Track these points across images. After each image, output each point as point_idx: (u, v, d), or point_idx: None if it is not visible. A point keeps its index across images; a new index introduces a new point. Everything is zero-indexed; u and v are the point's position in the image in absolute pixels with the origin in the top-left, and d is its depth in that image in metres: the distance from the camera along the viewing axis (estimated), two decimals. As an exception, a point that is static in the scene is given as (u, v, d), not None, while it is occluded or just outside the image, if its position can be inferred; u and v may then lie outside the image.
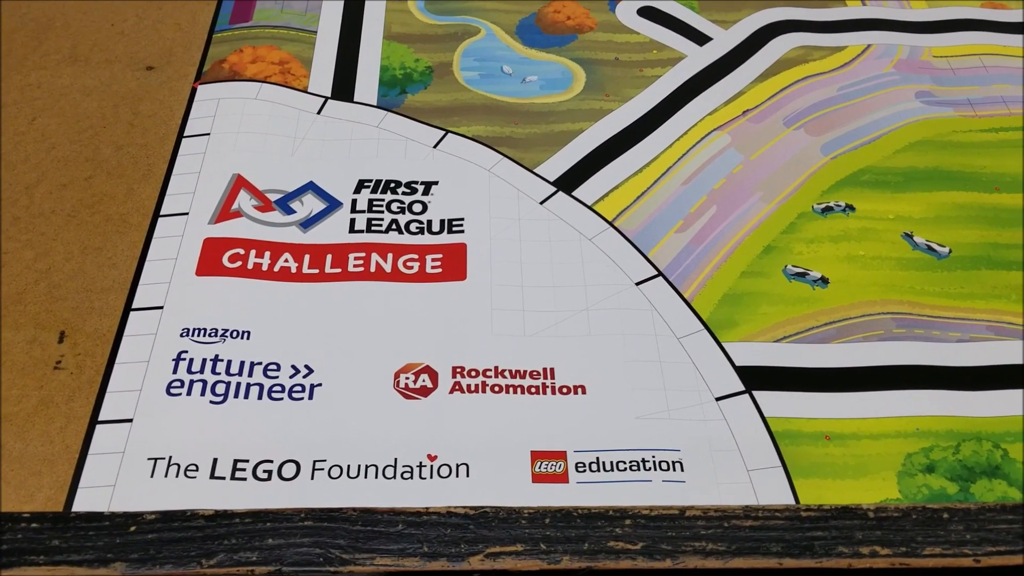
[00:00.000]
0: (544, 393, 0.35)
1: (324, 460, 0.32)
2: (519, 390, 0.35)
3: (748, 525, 0.26)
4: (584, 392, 0.35)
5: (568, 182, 0.42)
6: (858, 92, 0.46)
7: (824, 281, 0.38)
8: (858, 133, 0.45)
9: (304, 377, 0.35)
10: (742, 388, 0.35)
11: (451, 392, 0.35)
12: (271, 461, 0.32)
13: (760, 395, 0.35)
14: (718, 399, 0.35)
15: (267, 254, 0.39)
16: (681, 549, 0.26)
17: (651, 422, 0.34)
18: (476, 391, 0.35)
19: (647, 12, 0.51)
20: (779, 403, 0.34)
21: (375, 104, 0.46)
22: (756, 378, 0.35)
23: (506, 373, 0.35)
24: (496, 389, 0.35)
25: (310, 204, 0.41)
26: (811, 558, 0.26)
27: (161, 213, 0.40)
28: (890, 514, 0.27)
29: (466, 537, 0.26)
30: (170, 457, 0.32)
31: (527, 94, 0.46)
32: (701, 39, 0.49)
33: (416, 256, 0.39)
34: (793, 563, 0.25)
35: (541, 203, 0.41)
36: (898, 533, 0.26)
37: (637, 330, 0.37)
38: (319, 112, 0.45)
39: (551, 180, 0.42)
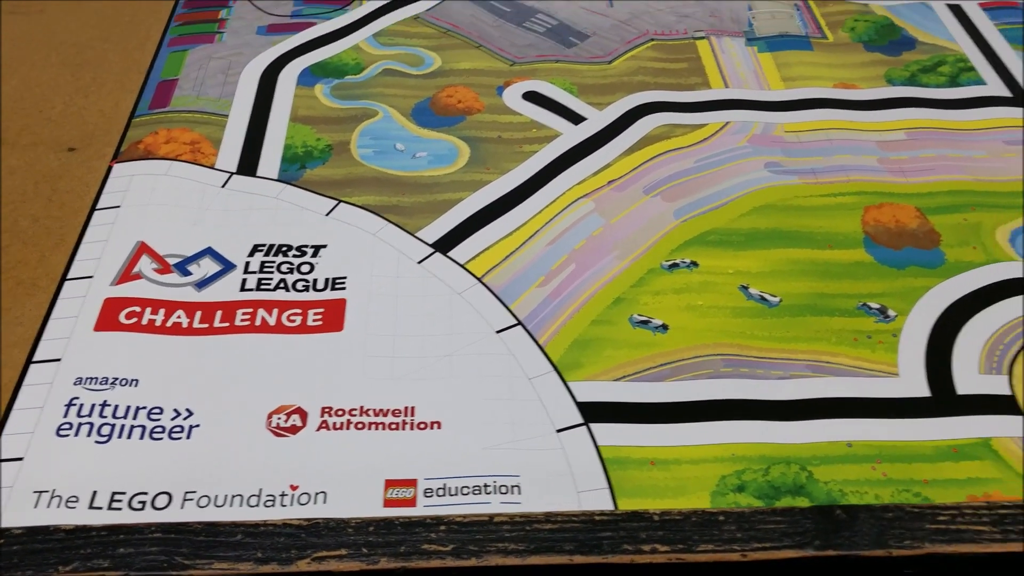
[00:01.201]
0: (403, 429, 0.39)
1: (194, 491, 0.36)
2: (380, 426, 0.39)
3: (547, 528, 0.30)
4: (439, 427, 0.39)
5: (445, 244, 0.47)
6: (713, 163, 0.52)
7: (664, 327, 0.43)
8: (709, 199, 0.49)
9: (184, 419, 0.39)
10: (581, 421, 0.39)
11: (318, 429, 0.38)
12: (146, 493, 0.36)
13: (596, 427, 0.39)
14: (558, 431, 0.39)
15: (161, 311, 0.43)
16: (486, 549, 0.29)
17: (496, 452, 0.38)
18: (341, 428, 0.39)
19: (530, 96, 0.56)
20: (612, 433, 0.38)
21: (276, 178, 0.50)
22: (594, 412, 0.39)
23: (370, 412, 0.39)
24: (359, 426, 0.39)
25: (206, 267, 0.45)
26: (598, 554, 0.29)
27: (68, 277, 0.44)
28: (673, 517, 0.30)
29: (296, 544, 0.29)
30: (53, 490, 0.36)
31: (415, 168, 0.51)
32: (577, 119, 0.54)
33: (299, 311, 0.43)
34: (582, 559, 0.29)
35: (419, 262, 0.46)
36: (677, 533, 0.30)
37: (493, 372, 0.41)
38: (223, 186, 0.50)
39: (430, 243, 0.47)
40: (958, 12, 0.63)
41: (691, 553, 0.29)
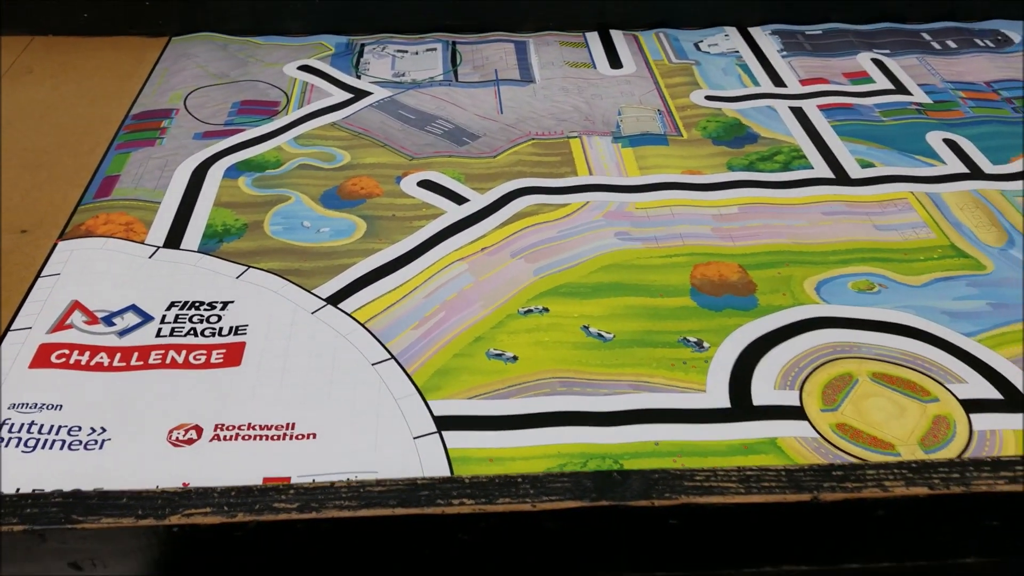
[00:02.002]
0: (283, 440, 0.46)
1: (102, 488, 0.43)
2: (264, 438, 0.46)
3: (377, 490, 0.37)
4: (315, 437, 0.46)
5: (336, 298, 0.55)
6: (571, 233, 0.61)
7: (515, 358, 0.51)
8: (565, 260, 0.58)
9: (98, 435, 0.46)
10: (435, 430, 0.46)
11: (211, 440, 0.46)
12: (61, 490, 0.43)
13: (447, 434, 0.46)
14: (415, 438, 0.46)
15: (87, 353, 0.51)
16: (325, 505, 0.36)
17: (360, 455, 0.45)
18: (231, 440, 0.46)
19: (424, 183, 0.66)
20: (460, 439, 0.46)
21: (196, 250, 0.59)
22: (447, 423, 0.47)
23: (256, 427, 0.47)
24: (246, 438, 0.46)
25: (128, 319, 0.53)
26: (416, 507, 0.36)
27: (11, 328, 0.52)
28: (480, 480, 0.38)
29: (171, 504, 0.36)
30: (-18, 487, 0.42)
31: (318, 240, 0.60)
32: (461, 200, 0.64)
33: (204, 351, 0.51)
34: (403, 510, 0.36)
35: (312, 312, 0.54)
36: (482, 491, 0.37)
37: (365, 396, 0.48)
38: (151, 257, 0.58)
39: (324, 297, 0.55)
40: (799, 113, 0.74)
41: (491, 505, 0.37)
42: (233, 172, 0.67)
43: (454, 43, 0.85)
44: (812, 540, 0.39)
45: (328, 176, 0.67)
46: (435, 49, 0.84)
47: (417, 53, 0.84)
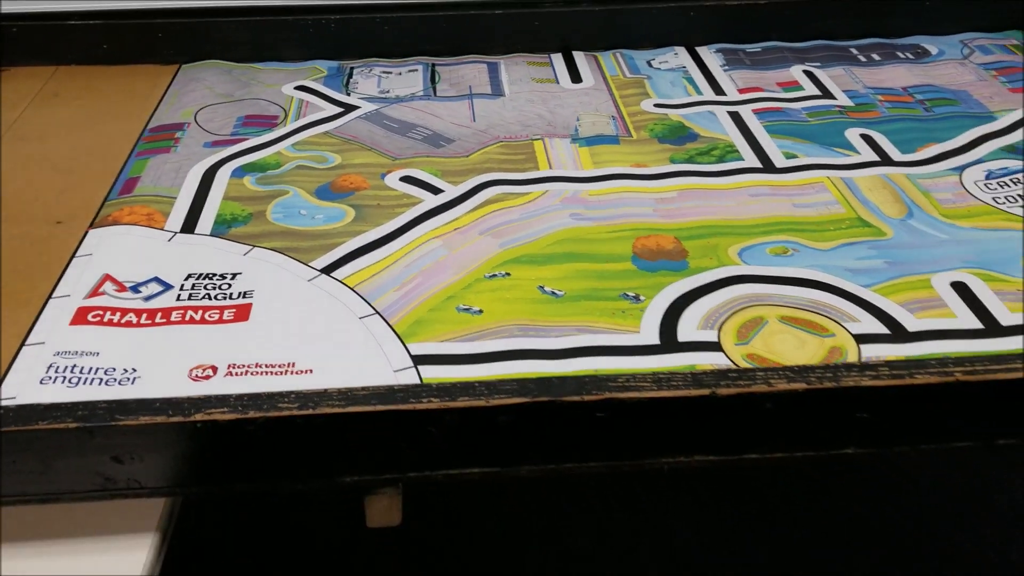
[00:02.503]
0: (285, 374, 0.55)
1: (135, 411, 0.52)
2: (268, 374, 0.55)
3: (362, 393, 0.46)
4: (311, 372, 0.55)
5: (329, 269, 0.65)
6: (532, 215, 0.71)
7: (480, 311, 0.60)
8: (526, 236, 0.68)
9: (131, 374, 0.55)
10: (411, 364, 0.56)
11: (225, 376, 0.55)
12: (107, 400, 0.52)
13: (422, 367, 0.55)
14: (395, 371, 0.55)
15: (118, 314, 0.60)
16: (320, 405, 0.46)
17: (350, 384, 0.54)
18: (241, 375, 0.55)
19: (405, 179, 0.76)
20: (432, 371, 0.55)
21: (208, 234, 0.69)
22: (422, 360, 0.56)
23: (263, 366, 0.56)
24: (254, 374, 0.55)
25: (152, 288, 0.63)
26: (392, 404, 0.45)
27: (53, 296, 0.62)
28: (445, 385, 0.47)
29: (195, 406, 0.46)
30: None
31: (313, 224, 0.70)
32: (437, 191, 0.74)
33: (217, 311, 0.60)
34: (382, 407, 0.45)
35: (309, 280, 0.64)
36: (447, 392, 0.46)
37: (355, 341, 0.58)
38: (169, 240, 0.68)
39: (318, 268, 0.65)
40: (735, 116, 0.85)
41: (453, 402, 0.46)
42: (239, 172, 0.77)
43: (433, 65, 0.96)
44: (715, 432, 0.48)
45: (321, 174, 0.76)
46: (416, 70, 0.95)
47: (400, 74, 0.94)
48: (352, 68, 0.96)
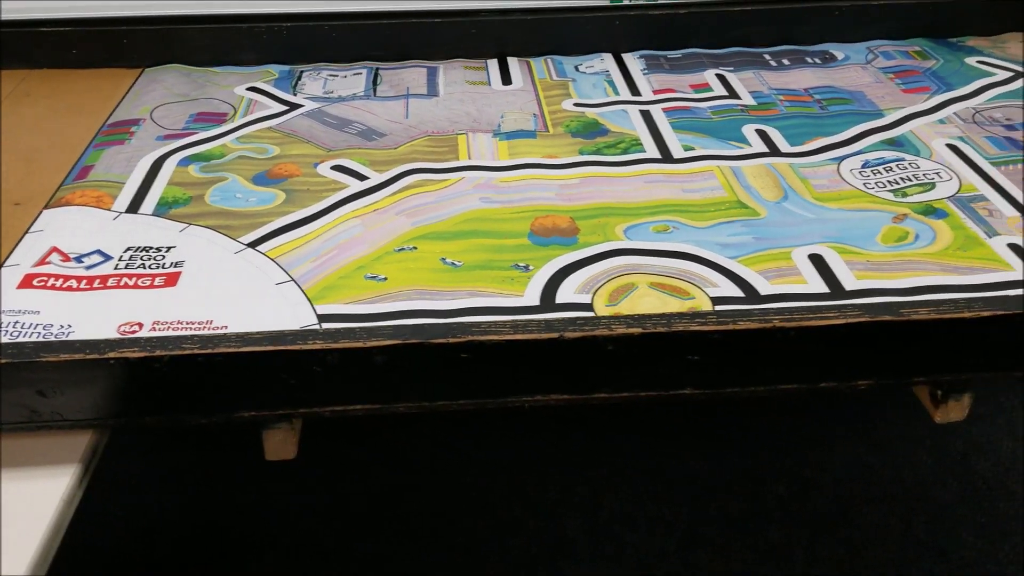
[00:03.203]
0: (203, 329, 0.62)
1: (66, 358, 0.59)
2: (188, 329, 0.62)
3: (256, 336, 0.53)
4: (227, 328, 0.62)
5: (255, 243, 0.72)
6: (446, 198, 0.78)
7: (385, 279, 0.67)
8: (437, 216, 0.75)
9: (66, 329, 0.62)
10: (316, 323, 0.63)
11: (149, 331, 0.62)
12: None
13: (325, 324, 0.62)
14: (302, 327, 0.62)
15: (61, 280, 0.67)
16: (219, 346, 0.53)
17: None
18: (163, 330, 0.62)
19: (336, 167, 0.83)
20: (335, 327, 0.62)
21: (151, 213, 0.76)
22: (327, 319, 0.63)
23: (183, 323, 0.63)
24: (175, 329, 0.62)
25: (94, 259, 0.70)
26: (282, 345, 0.53)
27: (4, 264, 0.69)
28: (329, 330, 0.54)
29: (110, 346, 0.53)
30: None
31: (246, 206, 0.77)
32: (363, 178, 0.81)
33: (149, 277, 0.68)
34: (272, 347, 0.52)
35: (235, 253, 0.71)
36: (330, 336, 0.53)
37: (270, 303, 0.65)
38: (114, 219, 0.75)
39: (245, 243, 0.72)
40: (646, 115, 0.92)
41: (335, 343, 0.53)
42: (185, 162, 0.84)
43: (377, 69, 1.04)
44: (567, 373, 0.55)
45: (260, 164, 0.84)
46: (361, 74, 1.03)
47: (346, 76, 1.02)
48: (302, 71, 1.04)
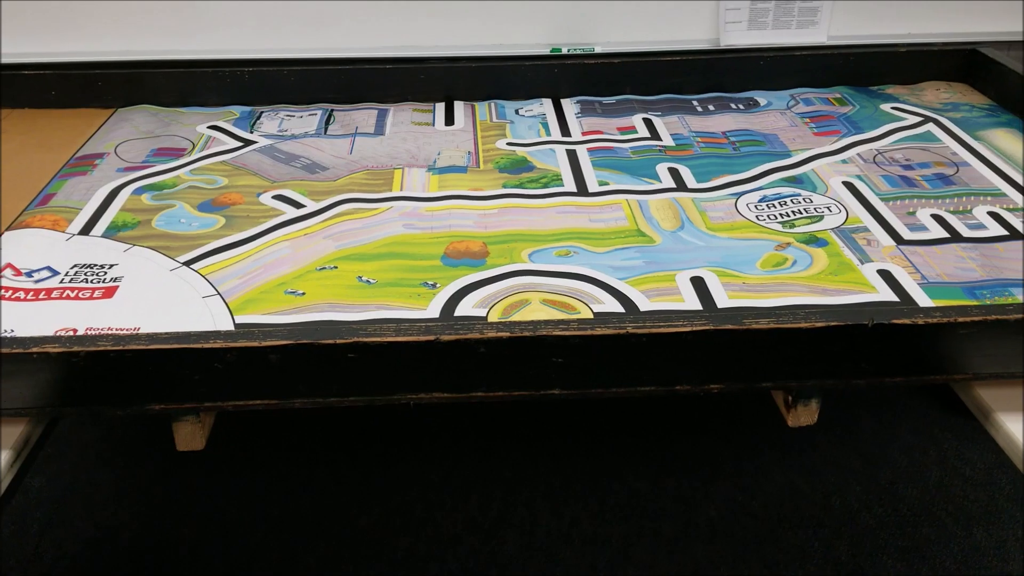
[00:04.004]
0: (131, 335, 0.69)
1: (3, 357, 0.66)
2: (117, 336, 0.69)
3: (164, 336, 0.60)
4: (151, 334, 0.69)
5: (190, 263, 0.79)
6: (373, 224, 0.85)
7: (303, 294, 0.74)
8: (361, 240, 0.82)
9: (7, 332, 0.69)
10: (233, 329, 0.69)
11: (82, 335, 0.69)
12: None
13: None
14: (218, 334, 0.69)
15: (10, 291, 0.74)
16: (129, 344, 0.59)
17: (178, 342, 0.68)
18: (95, 334, 0.69)
19: (277, 197, 0.90)
20: (236, 330, 0.69)
21: (101, 235, 0.83)
22: (245, 327, 0.70)
23: (113, 329, 0.69)
24: (105, 334, 0.69)
25: (43, 274, 0.77)
26: (186, 343, 0.59)
27: (-40, 278, 0.76)
28: (231, 331, 0.60)
29: (35, 343, 0.59)
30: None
31: (188, 230, 0.84)
32: (300, 206, 0.88)
33: (89, 290, 0.75)
34: (177, 345, 0.59)
35: (171, 270, 0.78)
36: (230, 336, 0.60)
37: (194, 313, 0.71)
38: (67, 240, 0.83)
39: (181, 262, 0.79)
40: (571, 153, 0.99)
41: (233, 343, 0.59)
42: (139, 191, 0.92)
43: (332, 110, 1.12)
44: (447, 373, 0.62)
45: (207, 193, 0.91)
46: (315, 114, 1.11)
47: (302, 117, 1.10)
48: (261, 112, 1.12)
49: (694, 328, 0.60)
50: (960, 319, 0.61)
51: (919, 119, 1.06)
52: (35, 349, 0.59)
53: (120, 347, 0.59)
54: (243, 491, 1.16)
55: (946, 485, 1.18)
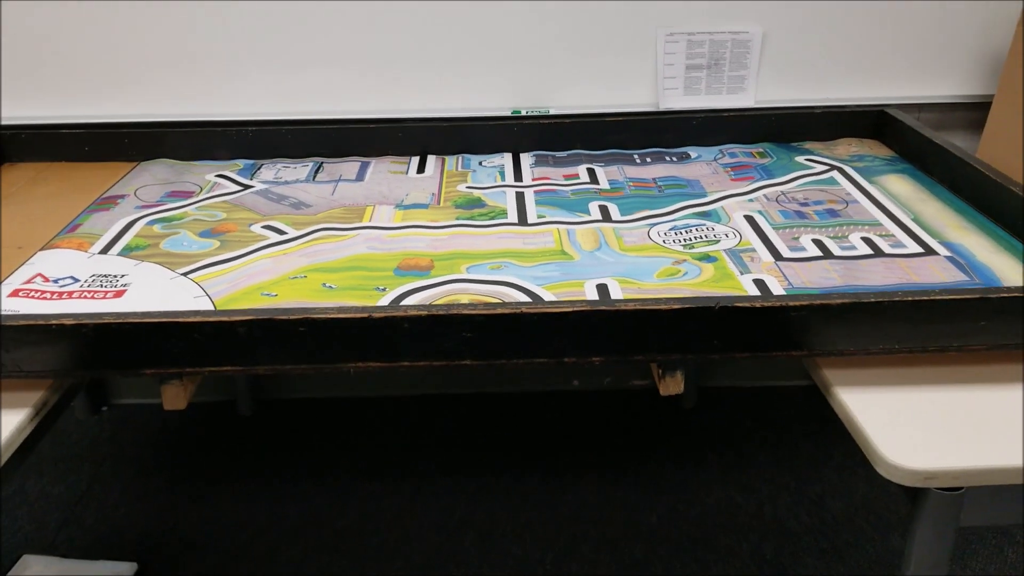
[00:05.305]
0: (133, 323, 0.86)
1: (31, 337, 0.82)
2: (123, 322, 0.86)
3: (143, 311, 0.76)
4: (150, 323, 0.86)
5: (188, 273, 0.96)
6: (341, 247, 1.02)
7: (275, 295, 0.91)
8: (328, 258, 0.99)
9: (36, 321, 0.86)
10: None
11: (94, 323, 0.86)
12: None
13: (220, 320, 0.85)
14: (203, 322, 0.85)
15: (38, 293, 0.91)
16: (103, 317, 0.76)
17: (171, 327, 0.84)
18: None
19: (267, 227, 1.08)
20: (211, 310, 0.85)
21: (117, 255, 1.01)
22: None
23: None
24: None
25: (67, 281, 0.94)
26: (165, 319, 0.75)
27: (2, 282, 0.94)
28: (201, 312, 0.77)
29: (43, 318, 0.76)
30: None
31: (189, 250, 1.02)
32: (283, 233, 1.06)
33: (103, 293, 0.92)
34: (158, 319, 0.75)
35: (171, 279, 0.95)
36: (195, 315, 0.76)
37: (183, 306, 0.88)
38: (89, 258, 1.00)
39: (180, 272, 0.96)
40: (519, 195, 1.16)
41: (208, 318, 0.76)
42: (151, 222, 1.10)
43: (322, 162, 1.30)
44: (378, 345, 0.77)
45: (208, 223, 1.09)
46: (308, 166, 1.29)
47: (296, 168, 1.28)
48: (262, 164, 1.30)
49: (575, 309, 0.75)
50: (791, 304, 0.76)
51: (826, 167, 1.22)
52: (54, 322, 0.75)
53: (120, 320, 0.75)
54: (240, 493, 1.30)
55: (871, 499, 1.30)
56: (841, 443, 1.42)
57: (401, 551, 1.20)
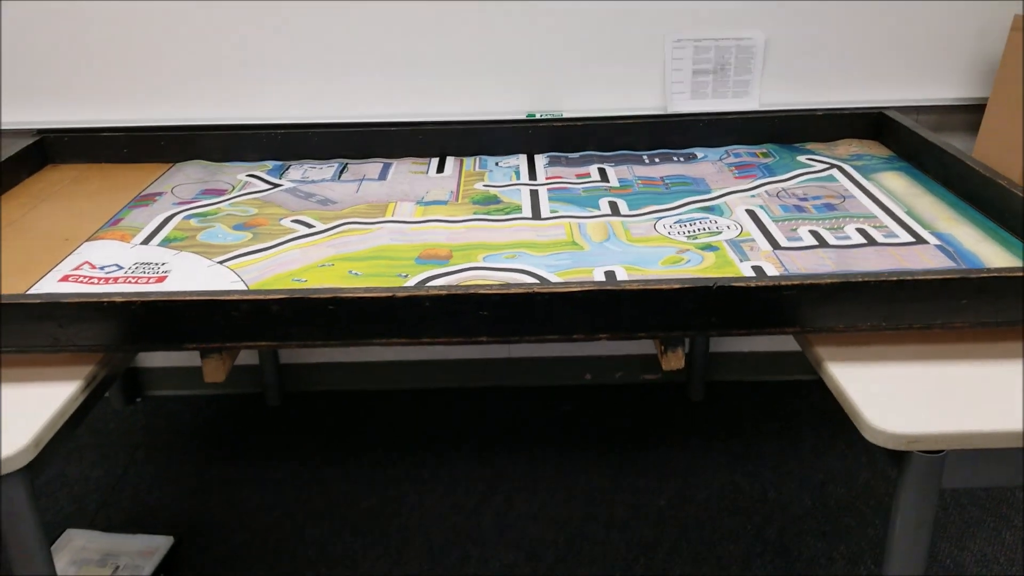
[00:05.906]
0: (175, 305, 0.93)
1: (82, 316, 0.90)
2: (166, 304, 0.93)
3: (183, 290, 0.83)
4: (190, 305, 0.93)
5: (224, 261, 1.03)
6: (366, 239, 1.09)
7: (305, 280, 0.97)
8: (355, 248, 1.06)
9: (86, 303, 0.93)
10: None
11: (139, 305, 0.93)
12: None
13: (255, 302, 0.92)
14: (239, 304, 0.92)
15: (85, 278, 0.99)
16: (148, 297, 0.83)
17: (210, 308, 0.91)
18: (149, 305, 0.93)
19: (295, 221, 1.15)
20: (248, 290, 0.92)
21: (158, 245, 1.08)
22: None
23: (163, 301, 0.93)
24: (157, 304, 0.93)
25: (113, 268, 1.02)
26: (207, 296, 0.82)
27: (53, 270, 1.01)
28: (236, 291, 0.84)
29: (95, 295, 0.83)
30: (26, 315, 0.90)
31: (224, 241, 1.09)
32: (311, 227, 1.13)
33: (147, 279, 0.99)
34: (198, 297, 0.82)
35: (208, 267, 1.02)
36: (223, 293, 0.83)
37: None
38: (131, 248, 1.08)
39: (217, 261, 1.03)
40: (533, 192, 1.23)
41: (245, 296, 0.82)
42: (188, 217, 1.17)
43: (347, 163, 1.37)
44: (401, 324, 0.84)
45: (241, 218, 1.16)
46: (333, 166, 1.36)
47: (322, 168, 1.36)
48: (290, 165, 1.38)
49: (583, 289, 0.82)
50: (784, 283, 0.82)
51: (826, 166, 1.28)
52: (105, 299, 0.83)
53: (165, 298, 0.82)
54: (267, 478, 1.37)
55: (873, 485, 1.35)
56: (843, 434, 1.47)
57: (421, 530, 1.26)
